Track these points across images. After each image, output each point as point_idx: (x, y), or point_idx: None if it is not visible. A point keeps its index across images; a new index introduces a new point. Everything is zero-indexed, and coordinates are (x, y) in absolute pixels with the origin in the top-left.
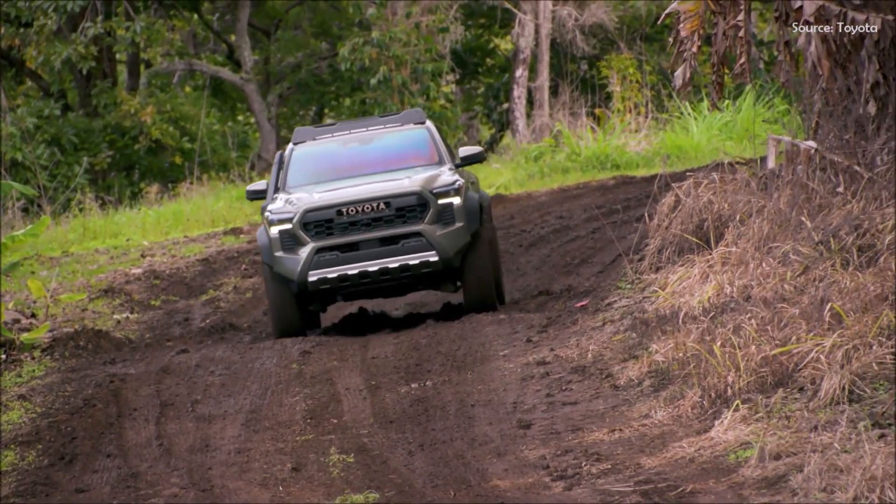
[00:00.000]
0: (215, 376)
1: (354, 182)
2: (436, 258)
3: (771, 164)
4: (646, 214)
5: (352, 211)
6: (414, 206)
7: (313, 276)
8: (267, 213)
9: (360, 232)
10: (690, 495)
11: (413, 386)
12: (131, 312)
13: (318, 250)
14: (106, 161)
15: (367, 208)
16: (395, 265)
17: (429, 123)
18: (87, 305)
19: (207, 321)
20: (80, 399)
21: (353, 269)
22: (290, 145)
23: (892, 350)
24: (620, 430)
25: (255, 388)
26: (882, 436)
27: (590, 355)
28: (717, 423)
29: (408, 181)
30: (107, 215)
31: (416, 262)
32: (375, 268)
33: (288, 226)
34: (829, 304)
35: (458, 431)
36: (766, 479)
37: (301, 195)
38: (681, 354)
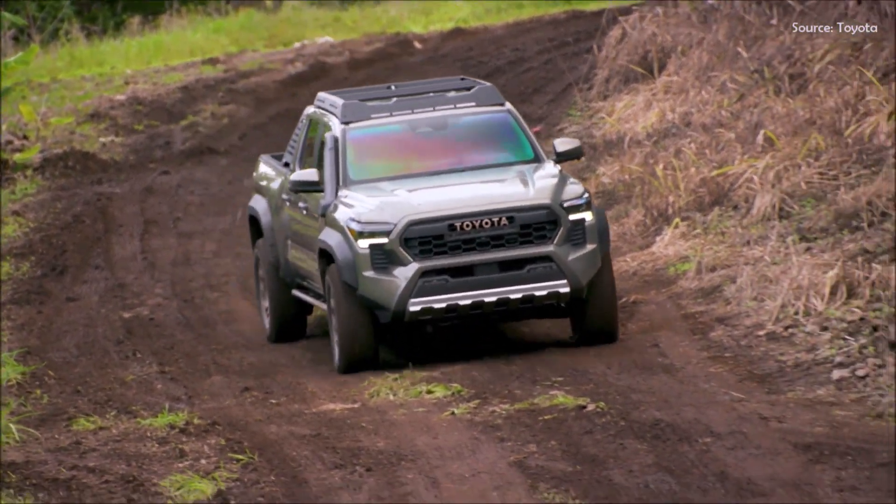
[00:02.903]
0: (195, 196)
1: (446, 182)
2: (567, 289)
3: None
4: (594, 46)
5: (467, 226)
6: (542, 223)
7: (415, 306)
8: (349, 222)
9: (477, 252)
10: (633, 305)
11: None
12: (116, 136)
13: (424, 273)
14: None
15: (486, 223)
16: (518, 296)
17: (509, 105)
18: (74, 129)
19: (187, 144)
20: (69, 215)
21: (464, 299)
22: (340, 124)
23: (819, 170)
24: None
25: (232, 207)
26: (808, 249)
27: None
28: (658, 239)
29: (531, 189)
30: (92, 45)
31: (544, 292)
32: (493, 298)
33: (383, 240)
34: (763, 129)
35: None
36: (703, 289)
37: (389, 199)
38: (626, 177)
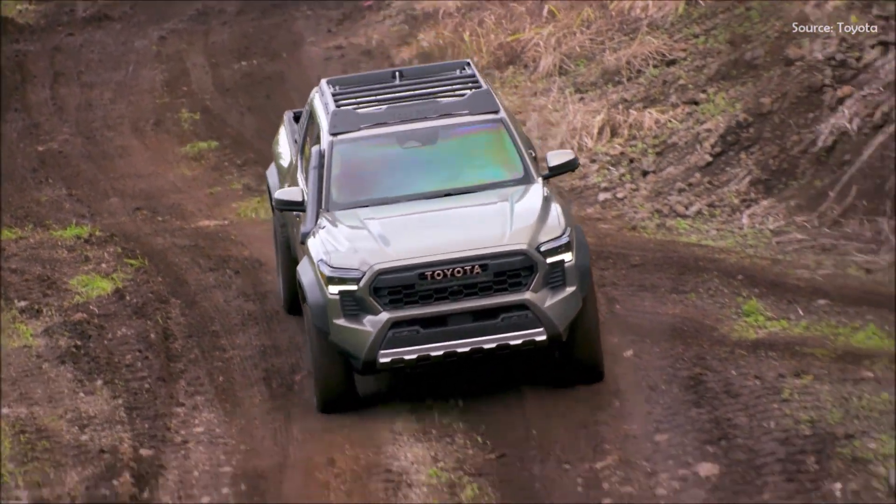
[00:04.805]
0: (95, 54)
1: (425, 209)
2: (543, 336)
3: None
4: None
5: (438, 274)
6: (518, 270)
7: (385, 357)
8: (320, 264)
9: (449, 301)
10: None
11: (243, 64)
12: (30, 4)
13: (394, 324)
14: None
15: (458, 271)
16: (492, 345)
17: (503, 113)
18: None
19: (88, 12)
20: None
21: (436, 350)
22: (329, 136)
23: (590, 37)
24: None
25: (125, 64)
26: (581, 98)
27: (374, 42)
28: None
29: (508, 230)
30: None
31: (519, 341)
32: (466, 348)
33: (353, 287)
34: (547, 4)
35: (277, 99)
36: None
37: (361, 242)
38: (440, 41)
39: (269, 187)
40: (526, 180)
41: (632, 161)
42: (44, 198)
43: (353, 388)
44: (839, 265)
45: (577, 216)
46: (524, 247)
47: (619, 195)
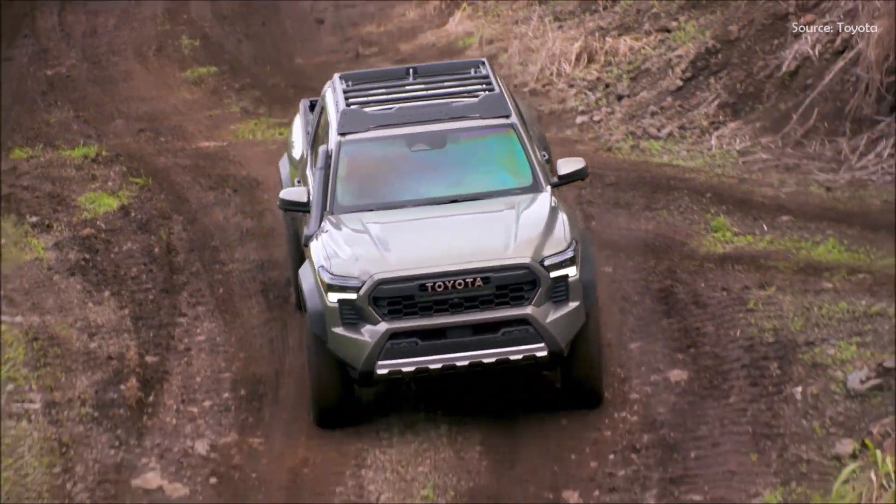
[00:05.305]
0: None
1: (429, 215)
2: (544, 353)
3: None
4: None
5: (439, 286)
6: (520, 284)
7: (383, 369)
8: (321, 270)
9: (449, 314)
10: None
11: None
12: None
13: (393, 335)
14: None
15: (460, 284)
16: (492, 360)
17: (513, 118)
18: None
19: None
20: None
21: (435, 363)
22: (337, 136)
23: None
24: (385, 25)
25: None
26: (560, 27)
27: None
28: (451, 19)
29: (512, 243)
30: None
31: (519, 356)
32: (465, 362)
33: (352, 296)
34: None
35: (272, 27)
36: (484, 56)
37: (363, 248)
38: None
39: (280, 179)
40: (534, 188)
41: (607, 86)
42: (53, 119)
43: (352, 399)
44: (801, 183)
45: (556, 139)
46: (527, 260)
47: (596, 118)
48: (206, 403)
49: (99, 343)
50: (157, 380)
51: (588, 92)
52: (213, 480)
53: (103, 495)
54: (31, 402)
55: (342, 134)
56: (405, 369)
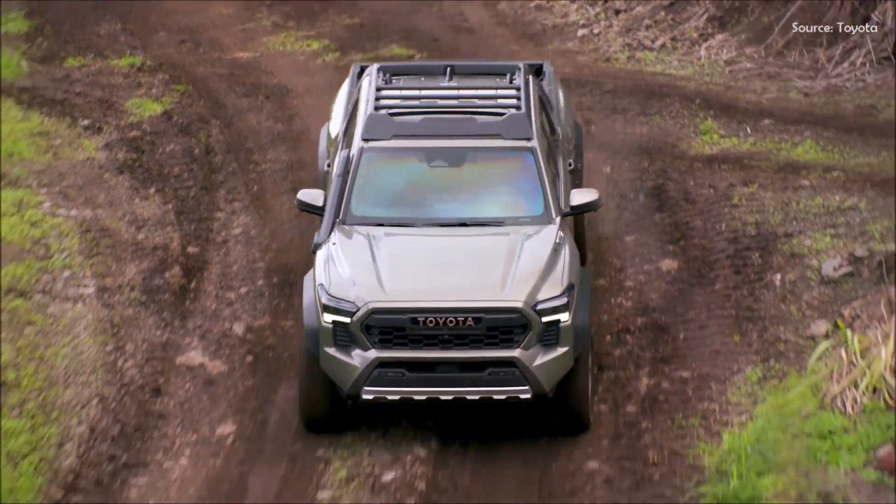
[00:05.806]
0: None
1: (435, 240)
2: (528, 395)
3: None
4: None
5: (430, 321)
6: (511, 327)
7: (368, 394)
8: (320, 288)
9: (438, 349)
10: None
11: None
12: None
13: (382, 363)
14: None
15: (451, 321)
16: (475, 397)
17: (535, 141)
18: None
19: None
20: None
21: (420, 395)
22: (361, 141)
23: None
24: None
25: None
26: None
27: None
28: None
29: (508, 284)
30: None
31: (503, 396)
32: (449, 396)
33: (346, 319)
34: None
35: None
36: None
37: (364, 273)
38: None
39: (318, 151)
40: (544, 219)
41: (606, 1)
42: (102, 31)
43: (339, 412)
44: (782, 90)
45: (559, 50)
46: (520, 304)
47: (595, 31)
48: (243, 290)
49: (146, 235)
50: (198, 268)
51: (588, 6)
52: (248, 359)
53: (151, 371)
54: (85, 286)
55: (366, 140)
56: (390, 397)
